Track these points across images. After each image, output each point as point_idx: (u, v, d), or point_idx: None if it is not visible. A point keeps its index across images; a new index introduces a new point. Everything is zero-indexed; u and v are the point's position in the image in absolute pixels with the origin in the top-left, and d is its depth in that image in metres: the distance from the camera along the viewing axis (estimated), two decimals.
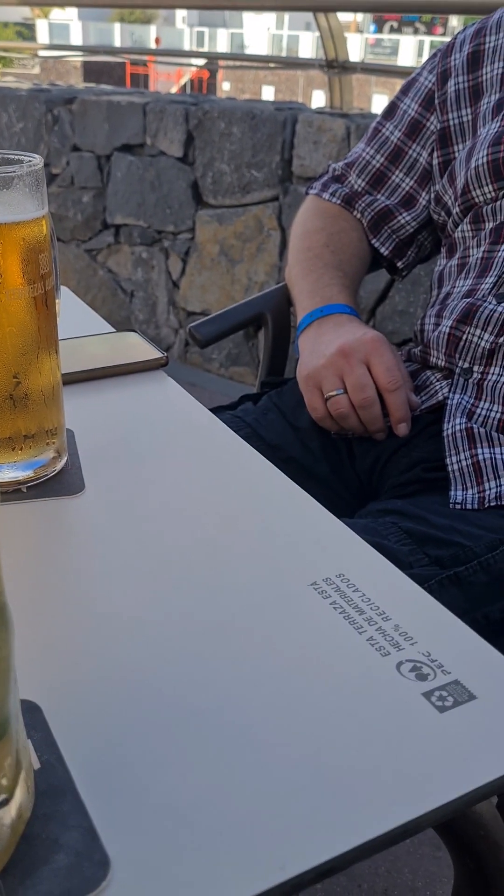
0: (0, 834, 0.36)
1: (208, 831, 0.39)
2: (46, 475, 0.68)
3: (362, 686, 0.48)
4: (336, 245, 1.18)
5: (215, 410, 1.15)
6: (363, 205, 1.20)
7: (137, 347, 0.94)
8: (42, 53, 7.71)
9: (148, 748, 0.43)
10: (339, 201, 1.22)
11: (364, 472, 1.06)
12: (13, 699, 0.36)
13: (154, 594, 0.55)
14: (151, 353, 0.92)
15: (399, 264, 1.25)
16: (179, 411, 0.83)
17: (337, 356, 0.99)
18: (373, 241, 1.21)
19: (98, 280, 3.75)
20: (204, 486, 0.69)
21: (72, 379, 0.86)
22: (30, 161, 0.60)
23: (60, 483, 0.68)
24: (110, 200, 3.55)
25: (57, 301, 0.75)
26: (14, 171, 0.58)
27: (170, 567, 0.58)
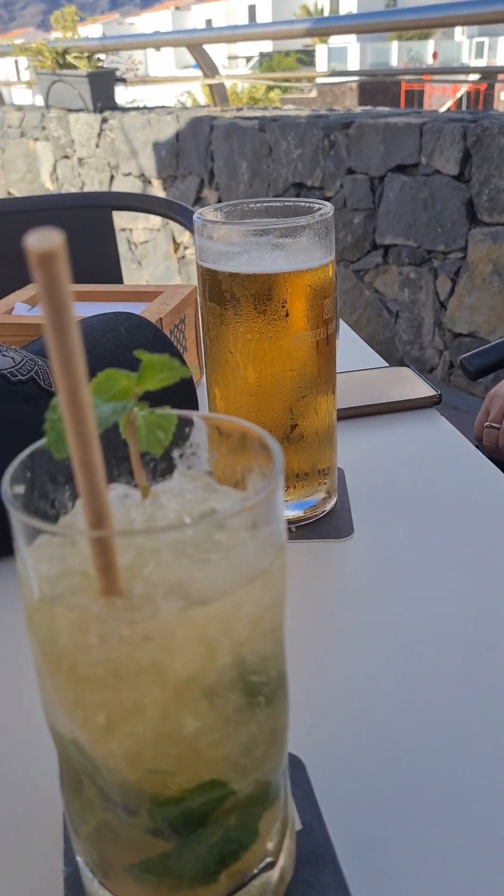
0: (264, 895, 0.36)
1: None
2: (316, 516, 0.68)
3: None
4: None
5: None
6: None
7: (410, 383, 0.92)
8: (319, 81, 7.93)
9: (409, 823, 0.42)
10: None
11: None
12: (284, 770, 0.36)
13: (421, 653, 0.53)
14: (424, 390, 0.90)
15: None
16: (452, 453, 0.80)
17: None
18: None
19: (364, 300, 3.77)
20: (477, 536, 0.66)
21: (343, 415, 0.86)
22: (320, 210, 0.60)
23: (329, 525, 0.68)
24: (381, 221, 3.56)
25: (336, 342, 0.75)
26: (304, 221, 0.59)
27: (438, 624, 0.56)
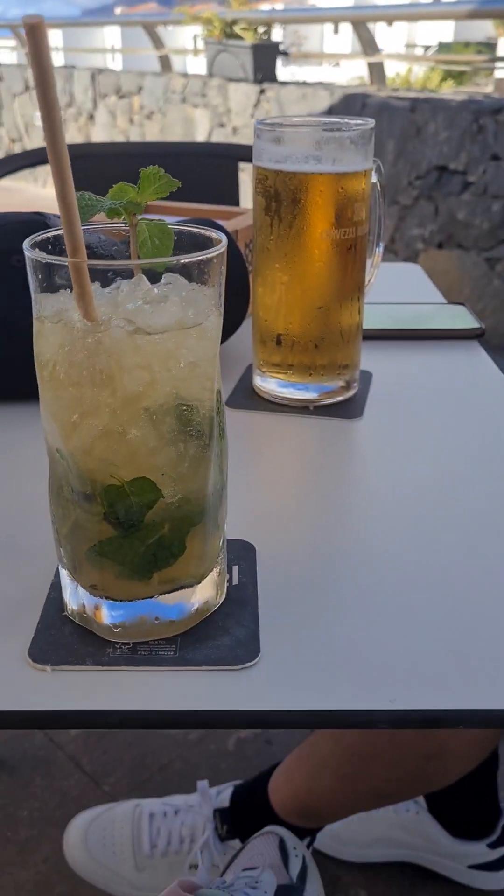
0: (186, 608, 0.48)
1: (339, 660, 0.46)
2: (331, 401, 0.78)
3: None
4: None
5: None
6: None
7: (460, 318, 0.99)
8: (483, 66, 7.73)
9: (321, 595, 0.51)
10: None
11: None
12: (212, 504, 0.47)
13: (387, 509, 0.62)
14: (470, 323, 0.97)
15: None
16: (481, 380, 0.87)
17: None
18: None
19: (493, 289, 3.75)
20: (482, 447, 0.72)
21: (388, 335, 0.95)
22: (359, 123, 0.70)
23: (343, 409, 0.77)
24: None
25: (377, 254, 0.84)
26: (344, 131, 0.68)
27: (412, 491, 0.65)
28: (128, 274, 0.43)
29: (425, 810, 1.13)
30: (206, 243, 0.44)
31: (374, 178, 0.75)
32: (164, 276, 0.45)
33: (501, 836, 1.14)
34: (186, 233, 0.45)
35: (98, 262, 0.40)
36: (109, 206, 0.43)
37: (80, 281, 0.39)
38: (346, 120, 0.72)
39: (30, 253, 0.41)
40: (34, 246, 0.43)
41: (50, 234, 0.44)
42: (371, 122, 0.70)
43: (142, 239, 0.45)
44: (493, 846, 1.13)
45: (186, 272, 0.42)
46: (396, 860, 1.17)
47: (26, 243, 0.42)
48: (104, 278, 0.43)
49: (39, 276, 0.42)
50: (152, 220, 0.45)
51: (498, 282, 3.73)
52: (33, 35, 0.31)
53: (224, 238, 0.42)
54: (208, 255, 0.41)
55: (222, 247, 0.42)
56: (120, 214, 0.44)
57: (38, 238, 0.43)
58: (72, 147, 1.79)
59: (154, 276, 0.44)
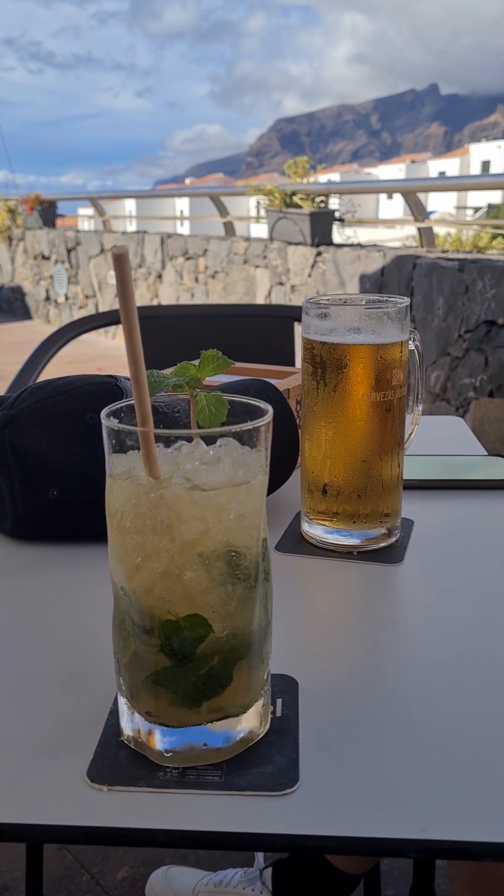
0: (232, 736, 0.52)
1: (374, 790, 0.49)
2: (374, 547, 0.83)
3: None
4: None
5: None
6: None
7: (498, 469, 1.05)
8: None
9: (359, 728, 0.55)
10: None
11: None
12: (257, 640, 0.52)
13: (425, 650, 0.67)
14: None
15: None
16: None
17: None
18: None
19: None
20: None
21: (429, 485, 1.01)
22: (396, 301, 0.79)
23: (385, 555, 0.83)
24: None
25: (416, 412, 0.92)
26: (381, 308, 0.78)
27: (449, 634, 0.69)
28: (188, 437, 0.51)
29: (270, 892, 1.22)
30: (256, 412, 0.51)
31: (411, 346, 0.84)
32: (218, 439, 0.52)
33: None
34: (238, 402, 0.53)
35: (163, 430, 0.48)
36: (174, 382, 0.52)
37: (147, 445, 0.47)
38: (385, 298, 0.81)
39: (105, 421, 0.50)
40: (109, 415, 0.51)
41: (122, 405, 0.52)
42: (406, 301, 0.79)
43: (200, 407, 0.53)
44: None
45: (237, 437, 0.49)
46: None
47: (103, 413, 0.51)
48: (167, 440, 0.51)
49: (113, 441, 0.50)
50: (210, 392, 0.54)
51: None
52: (119, 262, 0.40)
53: (270, 409, 0.50)
54: (256, 425, 0.48)
55: (268, 416, 0.49)
56: (182, 388, 0.53)
57: (113, 408, 0.52)
58: (144, 308, 1.97)
59: (210, 439, 0.52)
